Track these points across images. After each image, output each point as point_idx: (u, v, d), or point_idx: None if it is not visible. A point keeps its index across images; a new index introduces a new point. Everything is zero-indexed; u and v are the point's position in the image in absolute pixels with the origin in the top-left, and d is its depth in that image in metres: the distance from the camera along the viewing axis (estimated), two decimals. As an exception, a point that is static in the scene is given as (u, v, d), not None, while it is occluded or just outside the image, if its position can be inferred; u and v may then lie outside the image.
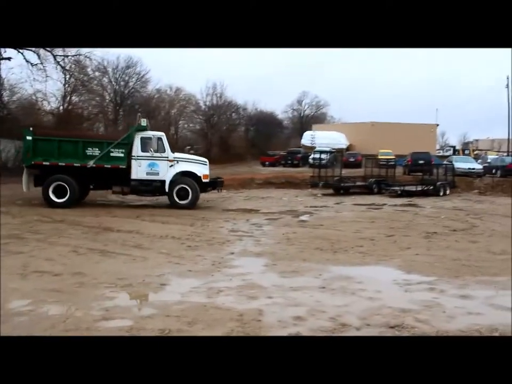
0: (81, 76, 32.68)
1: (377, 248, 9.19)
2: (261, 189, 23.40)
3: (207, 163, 16.69)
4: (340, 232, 10.92)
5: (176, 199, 15.50)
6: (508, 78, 48.18)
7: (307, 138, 47.18)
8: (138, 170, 15.52)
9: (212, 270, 7.32)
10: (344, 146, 45.31)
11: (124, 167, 15.36)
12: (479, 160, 35.11)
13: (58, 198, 14.91)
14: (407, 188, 22.27)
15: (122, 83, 48.63)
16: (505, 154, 45.00)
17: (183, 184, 15.54)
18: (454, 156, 37.37)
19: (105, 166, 15.32)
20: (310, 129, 51.86)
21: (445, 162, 28.98)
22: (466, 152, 54.04)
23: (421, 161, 27.25)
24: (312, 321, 5.14)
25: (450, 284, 6.74)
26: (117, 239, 9.76)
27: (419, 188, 22.19)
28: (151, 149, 15.44)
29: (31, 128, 16.57)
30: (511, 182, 25.84)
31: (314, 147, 40.93)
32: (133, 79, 49.34)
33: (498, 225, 13.01)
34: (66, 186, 14.96)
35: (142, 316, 5.28)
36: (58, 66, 28.60)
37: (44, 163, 15.20)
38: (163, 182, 15.49)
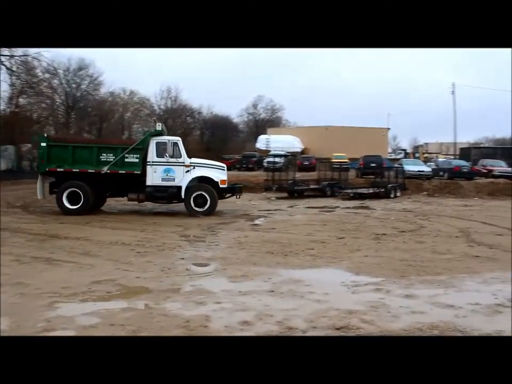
0: (29, 77, 31.65)
1: (327, 250, 9.30)
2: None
3: (225, 168, 16.42)
4: (292, 236, 10.99)
5: (193, 206, 15.03)
6: (453, 85, 50.13)
7: (262, 142, 47.39)
8: (154, 176, 15.06)
9: (160, 277, 7.20)
10: (299, 150, 45.80)
11: (139, 173, 14.97)
12: (432, 163, 36.30)
13: (72, 204, 14.66)
14: (359, 191, 22.77)
15: (74, 85, 47.57)
16: (452, 157, 46.72)
17: (201, 190, 15.10)
18: (405, 159, 38.48)
19: (120, 172, 14.94)
20: (265, 133, 52.17)
21: (395, 165, 29.75)
22: (417, 155, 55.77)
23: (373, 164, 27.92)
24: (259, 325, 5.12)
25: (396, 284, 6.88)
26: (64, 246, 9.46)
27: (371, 191, 22.70)
28: (167, 154, 15.02)
29: (45, 134, 16.20)
30: (458, 184, 26.86)
31: (269, 151, 41.25)
32: (86, 82, 48.40)
33: (444, 226, 13.46)
34: (80, 192, 14.66)
35: (85, 326, 5.12)
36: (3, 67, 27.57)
37: (58, 169, 14.88)
38: (179, 188, 15.06)
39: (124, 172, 14.94)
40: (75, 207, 14.64)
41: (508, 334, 4.96)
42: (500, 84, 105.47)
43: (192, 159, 16.02)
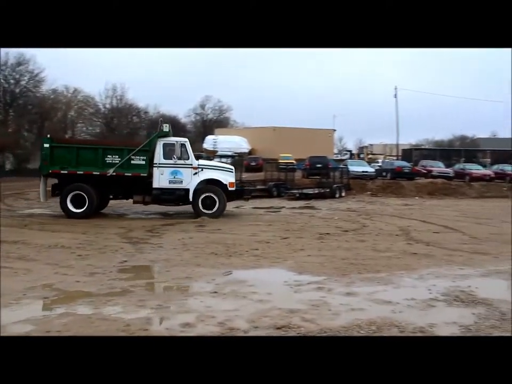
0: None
1: (272, 250, 9.38)
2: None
3: (233, 170, 16.20)
4: (237, 236, 11.00)
5: (202, 209, 14.77)
6: (395, 88, 51.73)
7: (209, 143, 47.26)
8: (161, 179, 14.72)
9: (101, 280, 7.02)
10: (246, 151, 45.97)
11: (145, 175, 14.60)
12: (379, 163, 37.38)
13: (76, 208, 14.18)
14: (305, 191, 23.10)
15: (12, 81, 45.53)
16: (395, 158, 48.28)
17: (209, 192, 14.86)
18: (349, 160, 39.44)
19: (126, 174, 14.51)
20: (213, 134, 52.03)
21: (341, 166, 30.43)
22: (362, 156, 57.23)
23: (319, 165, 28.43)
24: (200, 327, 5.08)
25: (338, 283, 7.02)
26: (-2, 251, 9.03)
27: (316, 191, 23.08)
28: (174, 156, 14.67)
29: (49, 135, 15.32)
30: (399, 184, 27.79)
31: (217, 151, 41.15)
32: (25, 78, 46.37)
33: (385, 224, 13.89)
34: (85, 195, 14.20)
35: (19, 334, 4.90)
36: None
37: (62, 171, 14.40)
38: (187, 190, 14.77)
39: (130, 174, 14.54)
40: (80, 210, 14.21)
41: (442, 327, 5.20)
42: (442, 87, 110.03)
43: (200, 160, 15.89)
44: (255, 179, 26.25)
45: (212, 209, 14.68)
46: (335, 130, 57.03)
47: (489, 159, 43.99)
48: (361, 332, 4.99)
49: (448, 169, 34.56)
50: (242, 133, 52.16)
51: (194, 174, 14.84)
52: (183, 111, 74.20)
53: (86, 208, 14.22)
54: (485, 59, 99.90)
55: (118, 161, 14.45)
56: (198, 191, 14.75)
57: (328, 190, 23.36)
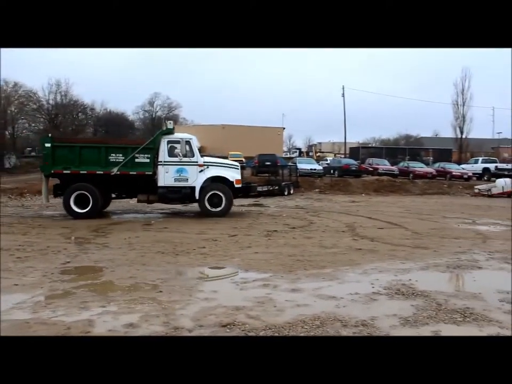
0: None
1: (219, 248, 9.35)
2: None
3: (239, 167, 15.98)
4: (184, 235, 10.91)
5: (208, 207, 14.59)
6: (343, 88, 52.86)
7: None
8: (166, 177, 14.41)
9: (42, 282, 6.77)
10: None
11: (150, 173, 14.28)
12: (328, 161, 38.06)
13: (80, 208, 13.86)
14: (254, 189, 23.15)
15: None
16: (343, 156, 49.33)
17: (216, 190, 14.61)
18: (298, 158, 39.90)
19: (130, 173, 14.15)
20: (162, 131, 51.26)
21: (289, 163, 30.76)
22: (311, 154, 58.07)
23: (268, 163, 28.62)
24: (144, 327, 5.00)
25: (284, 279, 7.09)
26: None
27: (265, 188, 23.21)
28: (179, 154, 14.30)
29: (49, 135, 14.68)
30: (347, 181, 28.41)
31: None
32: (-40, 72, 44.06)
33: (332, 221, 14.16)
34: (89, 195, 13.89)
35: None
36: None
37: (65, 171, 14.04)
38: (193, 188, 14.53)
39: (134, 173, 14.20)
40: (84, 210, 13.90)
41: (383, 319, 5.35)
42: (389, 89, 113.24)
43: (205, 158, 15.55)
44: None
45: (218, 207, 14.53)
46: (284, 128, 57.58)
47: (431, 157, 45.77)
48: (305, 327, 5.06)
49: (393, 167, 35.67)
50: (192, 130, 51.39)
51: (200, 172, 14.60)
52: (131, 108, 72.96)
53: (90, 208, 13.92)
54: (430, 62, 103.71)
55: (121, 160, 14.11)
56: (204, 189, 14.55)
57: (277, 188, 23.57)
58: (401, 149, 52.01)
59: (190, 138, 14.95)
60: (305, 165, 31.41)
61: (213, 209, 14.50)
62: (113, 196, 15.65)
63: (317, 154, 57.76)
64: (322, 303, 6.01)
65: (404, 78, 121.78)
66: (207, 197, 14.53)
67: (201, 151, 45.25)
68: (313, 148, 72.65)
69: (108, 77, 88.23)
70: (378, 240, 10.74)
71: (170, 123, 15.04)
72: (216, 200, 14.56)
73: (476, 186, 28.39)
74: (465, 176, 34.12)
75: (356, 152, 47.97)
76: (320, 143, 77.60)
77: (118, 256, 8.55)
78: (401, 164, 37.87)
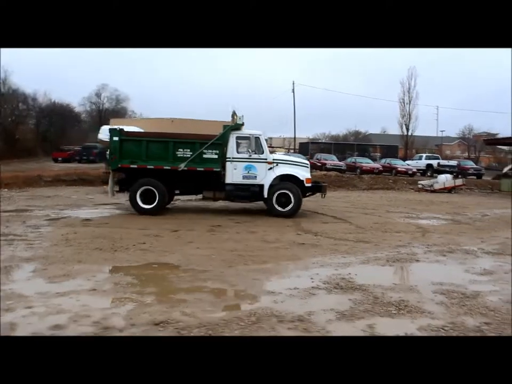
0: None
1: (160, 244, 9.11)
2: (49, 187, 21.55)
3: (309, 165, 15.18)
4: (125, 230, 10.57)
5: (276, 206, 13.84)
6: (293, 83, 53.24)
7: (105, 133, 44.96)
8: (234, 174, 13.76)
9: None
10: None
11: (218, 170, 13.66)
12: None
13: (146, 203, 13.38)
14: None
15: None
16: (292, 151, 49.71)
17: (284, 189, 13.82)
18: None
19: (198, 169, 13.57)
20: (109, 124, 49.93)
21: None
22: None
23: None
24: (72, 328, 4.76)
25: (221, 275, 6.96)
26: None
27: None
28: (249, 150, 13.66)
29: (118, 128, 14.05)
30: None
31: (113, 142, 39.48)
32: None
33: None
34: (155, 191, 13.40)
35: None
36: None
37: (132, 166, 13.51)
38: (261, 186, 13.81)
39: (202, 169, 13.61)
40: (150, 206, 13.41)
41: (320, 314, 5.34)
42: (339, 85, 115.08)
43: (274, 154, 14.84)
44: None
45: (286, 207, 13.92)
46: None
47: (379, 153, 46.93)
48: (241, 323, 4.98)
49: (340, 163, 36.26)
50: (140, 123, 50.19)
51: (269, 169, 13.97)
52: (77, 99, 70.47)
53: (156, 204, 13.45)
54: (379, 60, 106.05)
55: (189, 155, 13.58)
56: (273, 187, 13.91)
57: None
58: (350, 145, 53.05)
59: (260, 135, 14.28)
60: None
61: (281, 209, 13.90)
62: (177, 192, 15.13)
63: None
64: (260, 299, 5.95)
65: (354, 76, 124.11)
66: (275, 196, 13.93)
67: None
68: (264, 142, 72.64)
69: (53, 66, 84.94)
70: (321, 234, 10.81)
71: (240, 118, 14.32)
72: (283, 199, 13.92)
73: (419, 182, 29.23)
74: (410, 172, 35.17)
75: (305, 147, 48.47)
76: (271, 138, 77.80)
77: (53, 253, 8.15)
78: (349, 159, 38.58)
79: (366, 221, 13.44)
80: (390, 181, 30.72)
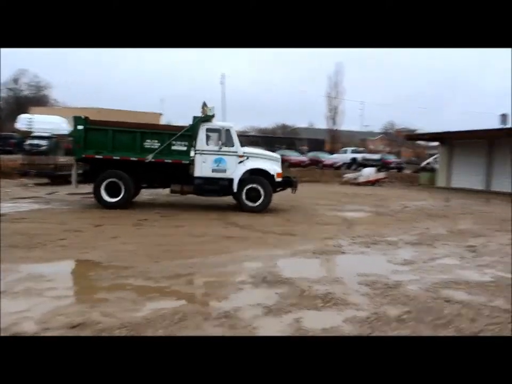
0: None
1: (81, 240, 8.65)
2: (-41, 179, 19.98)
3: (280, 160, 14.75)
4: (44, 225, 9.95)
5: (246, 201, 13.54)
6: (222, 75, 52.94)
7: (23, 122, 42.55)
8: (203, 167, 13.37)
9: None
10: (67, 132, 42.68)
11: (187, 162, 13.28)
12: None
13: (111, 197, 12.88)
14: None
15: None
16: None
17: (255, 183, 13.50)
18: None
19: (166, 161, 13.10)
20: (28, 112, 47.24)
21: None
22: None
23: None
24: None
25: (146, 271, 6.70)
26: None
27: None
28: (219, 142, 13.28)
29: (83, 116, 13.25)
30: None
31: (32, 132, 37.44)
32: None
33: (204, 209, 13.95)
34: (121, 183, 12.90)
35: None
36: None
37: (97, 156, 12.94)
38: (231, 180, 13.44)
39: (170, 161, 13.12)
40: (115, 199, 12.94)
41: (246, 309, 5.25)
42: (268, 79, 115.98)
43: (245, 148, 14.33)
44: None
45: (256, 202, 13.56)
46: (161, 114, 56.32)
47: (306, 147, 47.82)
48: (165, 321, 4.78)
49: (269, 155, 36.43)
50: (63, 112, 48.12)
51: (239, 163, 13.57)
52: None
53: (121, 197, 12.97)
54: (307, 55, 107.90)
55: (157, 147, 13.06)
56: (242, 181, 13.50)
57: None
58: (278, 138, 53.63)
59: (231, 127, 13.91)
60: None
61: (251, 204, 13.60)
62: (144, 185, 14.51)
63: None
64: (186, 295, 5.78)
65: (283, 69, 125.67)
66: (245, 191, 13.59)
67: (73, 135, 42.54)
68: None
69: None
70: (249, 227, 10.77)
71: (211, 109, 13.78)
72: (254, 194, 13.63)
73: (345, 175, 30.11)
74: (336, 165, 36.13)
75: (234, 140, 48.33)
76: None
77: (-41, 251, 7.50)
78: (277, 152, 38.92)
79: (294, 214, 13.59)
80: (317, 174, 31.39)
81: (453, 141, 29.80)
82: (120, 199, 13.02)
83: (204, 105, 13.96)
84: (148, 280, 6.27)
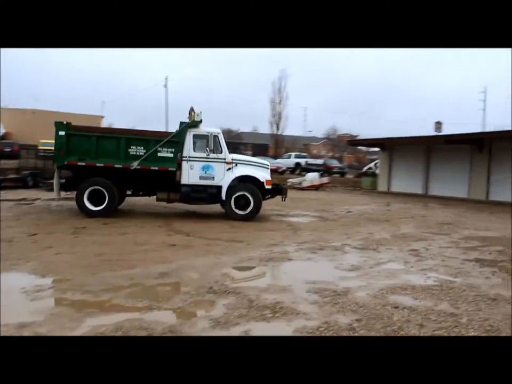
0: None
1: (13, 250, 8.05)
2: None
3: (269, 167, 14.30)
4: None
5: (234, 209, 13.15)
6: (166, 78, 52.15)
7: None
8: (190, 174, 12.98)
9: None
10: None
11: (174, 169, 12.84)
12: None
13: (94, 205, 12.40)
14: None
15: None
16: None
17: (243, 191, 13.14)
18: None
19: (152, 168, 12.66)
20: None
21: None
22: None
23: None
24: None
25: (84, 284, 6.29)
26: None
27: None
28: (207, 149, 12.90)
29: (65, 122, 12.60)
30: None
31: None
32: None
33: (152, 216, 13.51)
34: (105, 191, 12.40)
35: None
36: None
37: (79, 163, 12.42)
38: (219, 188, 13.07)
39: (156, 168, 12.69)
40: (98, 208, 12.43)
41: (193, 322, 4.99)
42: (213, 84, 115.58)
43: (233, 155, 14.03)
44: (8, 167, 23.24)
45: (245, 210, 13.17)
46: (103, 116, 54.69)
47: (250, 151, 47.91)
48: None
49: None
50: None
51: (227, 170, 13.20)
52: None
53: (105, 205, 12.45)
54: (251, 61, 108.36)
55: (143, 153, 12.63)
56: (231, 189, 13.10)
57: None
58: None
59: (219, 133, 13.50)
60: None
61: (239, 212, 13.18)
62: (129, 193, 13.97)
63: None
64: (128, 309, 5.43)
65: (228, 74, 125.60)
66: (233, 198, 13.16)
67: (6, 137, 40.66)
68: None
69: None
70: (194, 234, 10.48)
71: (198, 114, 13.10)
72: (243, 202, 13.21)
73: (289, 180, 30.30)
74: (280, 170, 36.32)
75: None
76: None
77: None
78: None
79: (238, 221, 13.38)
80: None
81: (393, 147, 30.71)
82: (104, 208, 12.52)
83: (191, 110, 13.53)
84: (85, 294, 5.87)
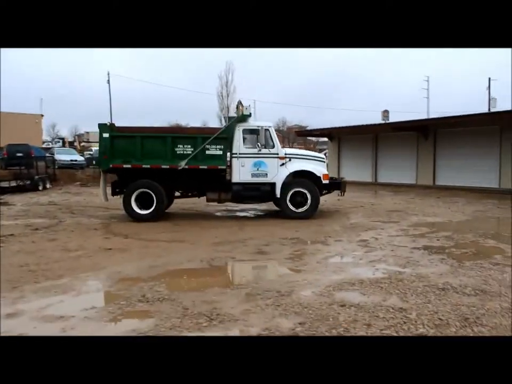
0: None
1: None
2: None
3: (325, 160, 13.60)
4: None
5: (291, 207, 12.42)
6: (108, 74, 50.42)
7: None
8: (242, 172, 12.26)
9: None
10: None
11: (224, 167, 12.16)
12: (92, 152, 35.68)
13: (142, 209, 11.90)
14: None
15: None
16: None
17: (300, 187, 12.38)
18: (57, 148, 36.42)
19: (200, 167, 12.02)
20: None
21: (46, 154, 27.65)
22: (75, 144, 54.33)
23: (19, 154, 24.93)
24: None
25: (4, 300, 5.57)
26: None
27: (14, 184, 20.33)
28: (258, 144, 12.15)
29: (108, 123, 12.18)
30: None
31: None
32: None
33: (87, 217, 12.73)
34: (153, 194, 11.89)
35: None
36: None
37: (125, 166, 11.89)
38: (273, 185, 12.34)
39: (205, 167, 12.05)
40: (147, 212, 11.91)
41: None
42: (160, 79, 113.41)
43: (287, 149, 13.28)
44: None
45: (302, 207, 12.43)
46: (42, 115, 52.34)
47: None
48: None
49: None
50: None
51: (281, 165, 12.37)
52: None
53: (154, 208, 11.92)
54: (198, 54, 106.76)
55: (190, 152, 11.99)
56: (286, 185, 12.30)
57: (29, 182, 20.87)
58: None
59: (270, 126, 12.61)
60: (65, 156, 28.94)
61: (297, 210, 12.41)
62: (177, 194, 13.35)
63: (81, 144, 54.23)
64: (46, 328, 4.78)
65: (174, 68, 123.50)
66: (289, 195, 12.37)
67: None
68: (78, 137, 68.27)
69: None
70: (133, 236, 9.82)
71: (246, 108, 12.12)
72: (299, 199, 12.43)
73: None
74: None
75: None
76: (88, 132, 72.94)
77: None
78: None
79: (181, 218, 12.81)
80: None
81: (341, 136, 30.77)
82: (152, 211, 11.97)
83: (239, 103, 12.72)
84: (4, 312, 5.15)
